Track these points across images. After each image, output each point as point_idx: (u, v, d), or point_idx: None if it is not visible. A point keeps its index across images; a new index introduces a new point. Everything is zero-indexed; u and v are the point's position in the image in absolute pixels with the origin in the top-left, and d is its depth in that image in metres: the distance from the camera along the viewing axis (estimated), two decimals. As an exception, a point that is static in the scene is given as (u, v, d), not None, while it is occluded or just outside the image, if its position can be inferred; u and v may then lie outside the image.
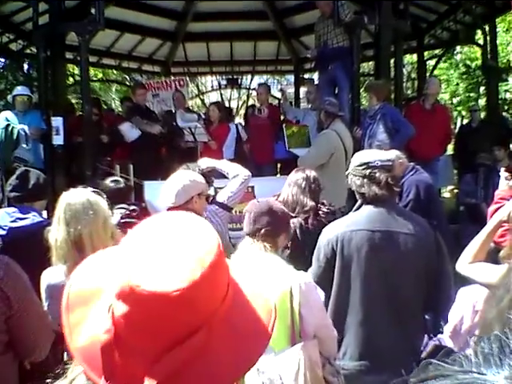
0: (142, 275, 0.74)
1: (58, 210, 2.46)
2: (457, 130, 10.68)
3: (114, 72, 14.89)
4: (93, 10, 6.11)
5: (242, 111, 15.18)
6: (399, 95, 7.04)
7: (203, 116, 8.11)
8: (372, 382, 2.60)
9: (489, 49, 9.01)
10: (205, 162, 3.67)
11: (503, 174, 2.97)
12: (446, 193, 9.87)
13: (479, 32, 9.36)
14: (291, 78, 14.19)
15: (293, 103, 10.38)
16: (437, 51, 10.94)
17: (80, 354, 0.80)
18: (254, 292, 0.89)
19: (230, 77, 12.97)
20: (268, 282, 2.22)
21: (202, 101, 18.15)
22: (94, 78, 14.96)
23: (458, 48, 13.97)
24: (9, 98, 6.82)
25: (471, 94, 14.79)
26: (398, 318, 2.68)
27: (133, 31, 10.38)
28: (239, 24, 10.52)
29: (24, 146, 6.27)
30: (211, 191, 3.87)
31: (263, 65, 12.77)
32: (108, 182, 3.77)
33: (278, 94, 12.24)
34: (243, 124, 8.52)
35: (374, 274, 2.67)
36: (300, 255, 2.99)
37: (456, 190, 8.27)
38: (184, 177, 3.07)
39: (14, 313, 2.03)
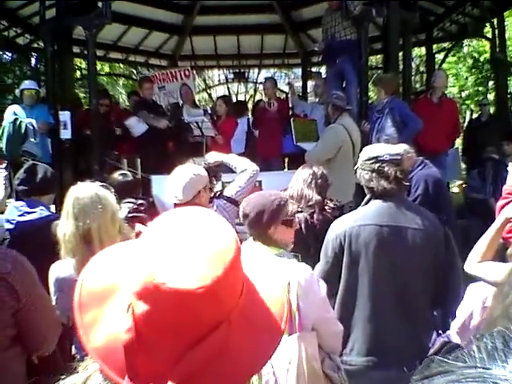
0: (166, 273, 0.74)
1: (67, 204, 2.46)
2: (466, 124, 10.61)
3: (121, 66, 14.88)
4: (99, 4, 6.10)
5: (250, 105, 15.15)
6: (408, 89, 6.98)
7: (209, 111, 8.08)
8: (379, 378, 2.60)
9: (497, 42, 8.94)
10: (212, 157, 3.66)
11: (511, 168, 2.94)
12: (455, 187, 9.80)
13: (488, 25, 9.28)
14: (298, 71, 14.13)
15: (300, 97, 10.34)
16: (445, 44, 10.86)
17: (97, 353, 0.79)
18: (265, 287, 0.90)
19: (237, 71, 12.94)
20: (269, 274, 2.23)
21: (209, 95, 18.13)
22: (101, 72, 14.99)
23: (467, 41, 13.86)
24: (16, 92, 6.83)
25: (480, 88, 14.68)
26: (406, 314, 2.67)
27: (140, 25, 10.37)
28: (246, 17, 10.48)
29: (32, 140, 6.29)
30: (219, 186, 3.87)
31: (270, 58, 12.72)
32: (116, 175, 3.78)
33: (286, 88, 12.20)
34: (252, 118, 8.50)
35: (382, 269, 2.66)
36: (304, 249, 2.98)
37: (465, 185, 8.22)
38: (189, 171, 3.06)
39: (21, 306, 2.03)
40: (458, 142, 9.94)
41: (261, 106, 8.07)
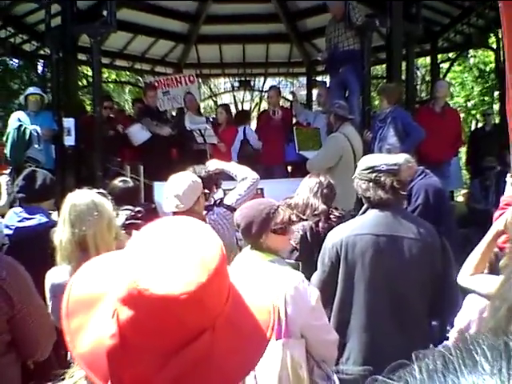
0: (149, 279, 0.75)
1: (63, 210, 2.48)
2: (470, 134, 10.60)
3: (128, 74, 14.99)
4: (105, 13, 6.15)
5: (255, 113, 15.18)
6: (411, 98, 7.00)
7: (211, 119, 8.11)
8: (375, 388, 2.58)
9: (502, 53, 8.93)
10: (213, 164, 3.68)
11: (509, 179, 2.93)
12: (460, 196, 9.77)
13: (492, 36, 9.28)
14: (304, 80, 14.17)
15: (305, 105, 10.36)
16: (450, 54, 10.86)
17: (83, 359, 0.80)
18: (252, 295, 0.91)
19: (243, 79, 12.97)
20: (260, 281, 2.25)
21: (215, 102, 18.19)
22: (108, 80, 15.09)
23: (472, 51, 13.86)
24: (21, 98, 6.88)
25: (486, 98, 14.65)
26: (402, 324, 2.66)
27: (146, 33, 10.44)
28: (252, 26, 10.52)
29: (36, 146, 6.32)
30: (220, 193, 3.87)
31: (275, 67, 12.75)
32: (116, 182, 3.79)
33: (290, 96, 12.23)
34: (256, 126, 8.53)
35: (378, 278, 2.65)
36: (309, 258, 2.98)
37: (468, 195, 8.21)
38: (186, 179, 3.07)
39: (16, 313, 2.05)
40: (463, 151, 9.92)
41: (265, 114, 8.10)
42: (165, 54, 11.60)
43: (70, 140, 6.39)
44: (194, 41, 11.08)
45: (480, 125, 12.82)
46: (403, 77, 6.84)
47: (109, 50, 10.37)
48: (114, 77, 15.49)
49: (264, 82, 16.17)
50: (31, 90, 6.84)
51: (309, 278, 2.59)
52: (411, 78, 7.11)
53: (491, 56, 12.02)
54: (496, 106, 12.71)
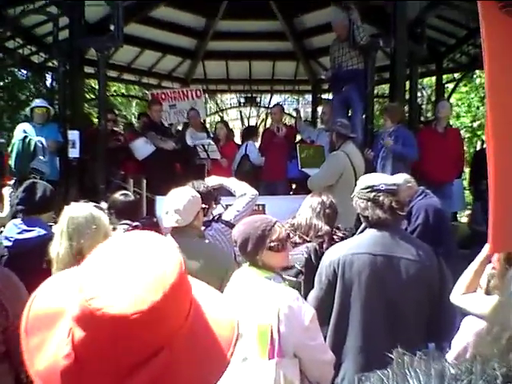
0: (102, 298, 0.73)
1: (61, 223, 2.48)
2: (473, 155, 10.57)
3: (136, 88, 15.12)
4: (112, 27, 6.23)
5: (262, 129, 15.26)
6: (414, 118, 7.04)
7: (211, 135, 8.16)
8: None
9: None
10: (213, 180, 3.69)
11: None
12: (464, 217, 9.73)
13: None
14: (309, 97, 14.24)
15: (310, 122, 10.40)
16: (456, 75, 10.90)
17: (40, 378, 0.79)
18: (216, 310, 0.89)
19: (249, 95, 13.06)
20: (253, 300, 2.23)
21: (221, 118, 18.31)
22: (117, 93, 15.22)
23: (479, 72, 13.90)
24: (26, 110, 6.94)
25: (492, 119, 14.63)
26: (398, 345, 2.63)
27: (154, 48, 10.56)
28: (258, 44, 10.64)
29: (41, 157, 6.36)
30: (220, 208, 3.88)
31: (281, 84, 12.84)
32: (117, 195, 3.80)
33: (295, 113, 12.29)
34: (260, 142, 8.58)
35: (374, 298, 2.64)
36: (314, 279, 2.96)
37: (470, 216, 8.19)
38: (186, 194, 3.08)
39: (10, 324, 2.05)
40: (467, 172, 9.90)
41: (269, 130, 8.16)
42: (172, 69, 11.72)
43: (74, 152, 6.43)
44: (201, 56, 11.20)
45: (485, 145, 12.81)
46: (407, 96, 6.88)
47: (117, 64, 10.51)
48: (123, 91, 15.62)
49: (270, 99, 16.27)
50: (37, 102, 6.89)
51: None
52: (414, 97, 7.16)
53: (497, 77, 12.04)
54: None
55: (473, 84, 15.04)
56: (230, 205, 3.72)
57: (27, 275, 2.19)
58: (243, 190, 3.58)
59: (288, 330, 2.14)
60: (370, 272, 2.62)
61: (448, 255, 3.39)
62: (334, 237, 3.39)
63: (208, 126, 11.51)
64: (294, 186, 8.02)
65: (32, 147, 6.28)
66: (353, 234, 3.79)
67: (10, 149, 6.54)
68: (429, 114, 12.59)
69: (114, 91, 15.01)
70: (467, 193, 9.39)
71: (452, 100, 11.67)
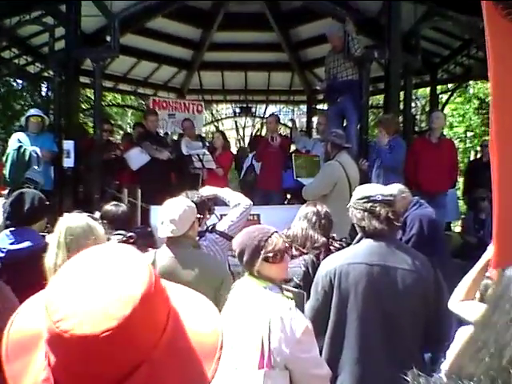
0: (69, 320, 0.70)
1: (57, 234, 2.44)
2: (467, 165, 10.63)
3: (132, 97, 15.14)
4: (108, 38, 6.24)
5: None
6: (408, 129, 7.08)
7: (207, 144, 8.18)
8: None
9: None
10: (207, 190, 3.68)
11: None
12: (458, 227, 9.77)
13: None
14: (304, 107, 14.30)
15: (305, 132, 10.44)
16: (450, 85, 10.97)
17: None
18: (199, 319, 0.86)
19: (244, 105, 13.11)
20: (247, 309, 2.22)
21: (217, 128, 18.35)
22: (112, 103, 15.23)
23: (473, 82, 14.00)
24: (22, 120, 6.93)
25: (485, 129, 14.75)
26: (394, 356, 2.62)
27: (150, 59, 10.60)
28: (254, 55, 10.70)
29: (35, 167, 6.34)
30: (214, 219, 3.88)
31: (276, 94, 12.90)
32: (109, 206, 3.77)
33: (290, 124, 12.33)
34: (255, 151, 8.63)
35: (370, 308, 2.63)
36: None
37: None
38: (182, 204, 3.07)
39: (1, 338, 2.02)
40: (461, 182, 9.93)
41: (263, 140, 8.19)
42: (168, 80, 11.75)
43: (69, 162, 6.43)
44: (197, 67, 11.25)
45: (479, 155, 12.89)
46: (401, 107, 6.92)
47: (113, 74, 10.53)
48: (118, 101, 15.64)
49: (265, 109, 16.33)
50: (32, 111, 6.89)
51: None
52: (409, 108, 7.20)
53: (491, 88, 12.13)
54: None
55: (467, 95, 15.16)
56: (225, 215, 3.72)
57: (20, 286, 2.17)
58: (237, 200, 3.57)
59: (279, 341, 2.11)
60: (367, 282, 2.62)
61: (441, 265, 3.39)
62: (331, 247, 3.38)
63: (204, 135, 11.51)
64: (288, 196, 8.04)
65: (27, 157, 6.26)
66: (348, 244, 3.80)
67: (4, 158, 6.52)
68: (423, 125, 12.66)
69: (110, 101, 15.03)
70: (461, 202, 9.43)
71: (446, 110, 11.74)
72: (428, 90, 11.40)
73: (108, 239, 2.74)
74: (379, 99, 13.05)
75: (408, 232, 4.02)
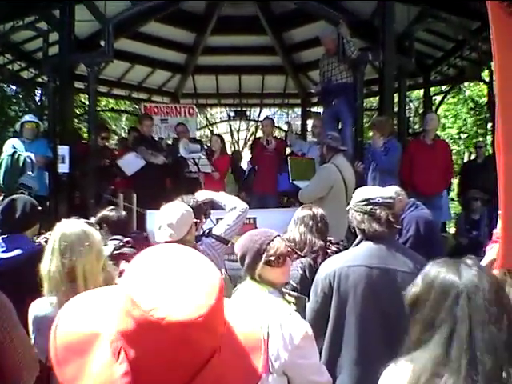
0: (162, 308, 0.75)
1: (52, 240, 2.44)
2: (462, 166, 10.66)
3: (126, 102, 15.12)
4: (102, 42, 6.23)
5: (250, 142, 15.31)
6: (402, 130, 7.10)
7: (205, 147, 8.17)
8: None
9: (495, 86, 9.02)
10: (202, 194, 3.67)
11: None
12: (452, 228, 9.80)
13: (485, 69, 9.42)
14: (299, 110, 14.33)
15: (299, 135, 10.46)
16: (443, 87, 11.00)
17: None
18: (241, 321, 0.93)
19: (239, 109, 13.11)
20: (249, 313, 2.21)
21: (211, 131, 18.34)
22: (107, 108, 15.19)
23: (467, 84, 14.05)
24: (16, 126, 6.91)
25: (479, 130, 14.81)
26: (394, 357, 2.61)
27: (144, 63, 10.59)
28: (248, 58, 10.71)
29: (29, 173, 6.32)
30: (209, 223, 3.86)
31: (271, 98, 12.91)
32: (106, 211, 3.75)
33: (285, 127, 12.35)
34: (250, 156, 8.65)
35: (370, 311, 2.63)
36: (309, 295, 2.94)
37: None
38: (179, 209, 3.06)
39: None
40: (455, 183, 9.96)
41: (259, 143, 8.19)
42: (162, 84, 11.74)
43: (63, 167, 6.40)
44: (191, 71, 11.24)
45: (473, 157, 12.94)
46: (395, 109, 6.93)
47: (107, 79, 10.51)
48: (112, 105, 15.61)
49: (260, 112, 16.34)
50: (27, 117, 6.87)
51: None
52: (403, 110, 7.22)
53: (484, 89, 12.19)
54: (489, 138, 12.84)
55: (461, 96, 15.22)
56: (221, 219, 3.70)
57: (14, 293, 2.15)
58: (233, 204, 3.55)
59: (277, 346, 2.10)
60: (366, 285, 2.61)
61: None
62: (328, 251, 3.37)
63: (198, 139, 11.52)
64: (285, 199, 8.04)
65: (21, 163, 6.24)
66: (345, 247, 3.80)
67: (-2, 164, 6.49)
68: (416, 126, 12.70)
69: (104, 106, 15.00)
70: (455, 204, 9.46)
71: (439, 111, 11.78)
72: (421, 91, 11.45)
73: (105, 244, 2.72)
74: (373, 101, 13.10)
75: (405, 234, 4.03)
